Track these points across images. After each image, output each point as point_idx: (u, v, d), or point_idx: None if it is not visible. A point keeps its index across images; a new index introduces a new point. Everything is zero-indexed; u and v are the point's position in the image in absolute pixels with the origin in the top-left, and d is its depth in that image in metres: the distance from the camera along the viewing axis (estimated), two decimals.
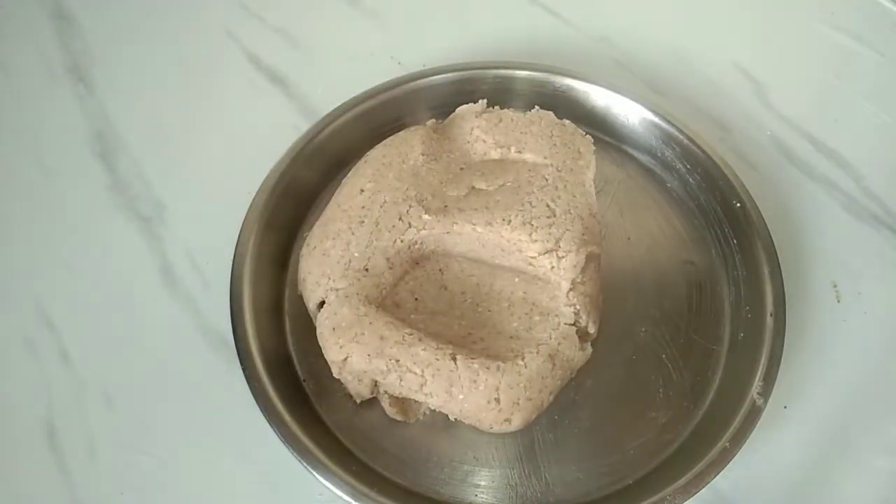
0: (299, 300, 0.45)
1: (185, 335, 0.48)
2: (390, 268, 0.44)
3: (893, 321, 0.49)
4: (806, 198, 0.53)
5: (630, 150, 0.54)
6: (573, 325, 0.43)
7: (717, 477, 0.40)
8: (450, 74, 0.53)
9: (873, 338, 0.48)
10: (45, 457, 0.44)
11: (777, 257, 0.46)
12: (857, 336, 0.48)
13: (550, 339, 0.42)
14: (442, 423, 0.43)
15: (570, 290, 0.43)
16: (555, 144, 0.49)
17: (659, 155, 0.52)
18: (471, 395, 0.39)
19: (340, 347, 0.40)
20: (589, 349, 0.43)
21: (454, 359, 0.40)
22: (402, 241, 0.44)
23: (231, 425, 0.45)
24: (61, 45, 0.62)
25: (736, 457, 0.39)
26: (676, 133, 0.51)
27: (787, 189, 0.54)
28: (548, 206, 0.45)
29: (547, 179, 0.47)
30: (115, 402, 0.46)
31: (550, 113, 0.51)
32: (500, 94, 0.54)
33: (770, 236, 0.47)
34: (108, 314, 0.49)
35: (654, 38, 0.62)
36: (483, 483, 0.42)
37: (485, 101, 0.51)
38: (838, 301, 0.49)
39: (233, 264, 0.45)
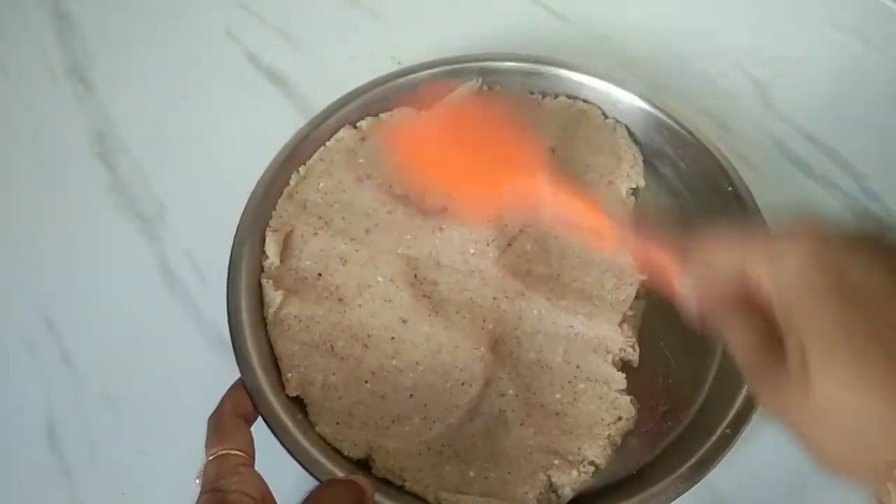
0: None
1: (185, 335, 0.48)
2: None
3: None
4: (806, 197, 0.53)
5: None
6: (623, 390, 0.43)
7: (717, 477, 0.40)
8: (441, 68, 0.53)
9: None
10: (45, 457, 0.44)
11: None
12: None
13: (604, 422, 0.42)
14: None
15: (623, 321, 0.44)
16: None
17: (649, 141, 0.52)
18: None
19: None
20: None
21: None
22: None
23: None
24: (61, 45, 0.62)
25: (736, 457, 0.39)
26: (665, 118, 0.51)
27: (787, 188, 0.54)
28: None
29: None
30: (115, 402, 0.46)
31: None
32: (491, 85, 0.54)
33: (763, 220, 0.46)
34: (108, 314, 0.49)
35: (654, 36, 0.62)
36: None
37: (481, 79, 0.52)
38: None
39: (228, 270, 0.44)
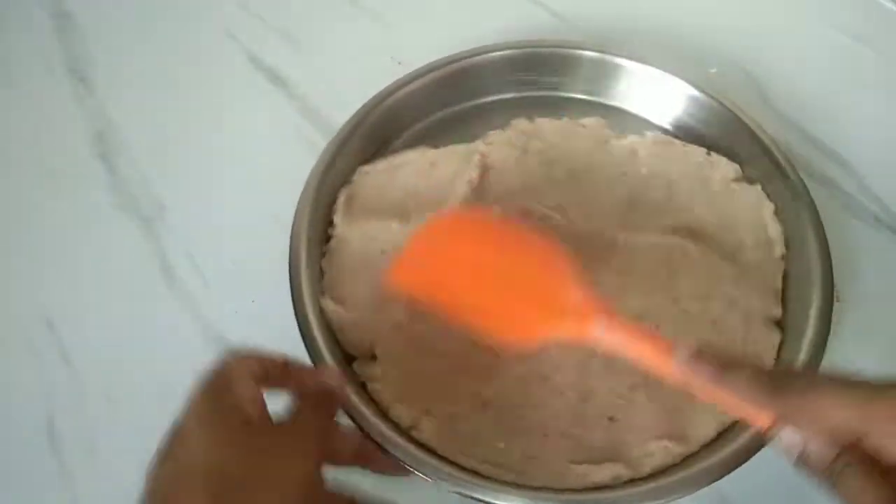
0: None
1: (185, 335, 0.48)
2: None
3: (893, 321, 0.48)
4: None
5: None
6: None
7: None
8: (512, 51, 0.55)
9: (873, 337, 0.48)
10: (45, 457, 0.44)
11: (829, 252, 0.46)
12: (856, 335, 0.48)
13: None
14: None
15: None
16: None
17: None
18: None
19: None
20: None
21: None
22: None
23: None
24: (61, 45, 0.62)
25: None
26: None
27: None
28: None
29: None
30: (115, 402, 0.46)
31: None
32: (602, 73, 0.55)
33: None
34: (108, 314, 0.49)
35: (653, 36, 0.61)
36: None
37: None
38: (838, 300, 0.49)
39: (290, 251, 0.45)
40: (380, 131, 0.52)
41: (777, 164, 0.49)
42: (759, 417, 0.30)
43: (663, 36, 0.62)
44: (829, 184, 0.54)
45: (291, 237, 0.45)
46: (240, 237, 0.51)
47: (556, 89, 0.56)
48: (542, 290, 0.36)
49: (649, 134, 0.52)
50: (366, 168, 0.50)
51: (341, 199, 0.48)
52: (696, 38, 0.62)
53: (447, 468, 0.38)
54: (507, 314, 0.37)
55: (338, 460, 0.38)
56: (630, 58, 0.54)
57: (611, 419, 0.41)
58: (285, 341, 0.42)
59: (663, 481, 0.39)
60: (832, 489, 0.28)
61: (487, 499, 0.38)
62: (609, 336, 0.34)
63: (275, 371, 0.37)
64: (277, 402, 0.36)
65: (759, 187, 0.50)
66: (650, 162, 0.50)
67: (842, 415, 0.28)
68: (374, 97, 0.51)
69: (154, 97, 0.59)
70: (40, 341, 0.48)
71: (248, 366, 0.35)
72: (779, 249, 0.47)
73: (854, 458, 0.27)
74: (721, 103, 0.52)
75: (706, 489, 0.41)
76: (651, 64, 0.54)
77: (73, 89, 0.60)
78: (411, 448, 0.39)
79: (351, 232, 0.47)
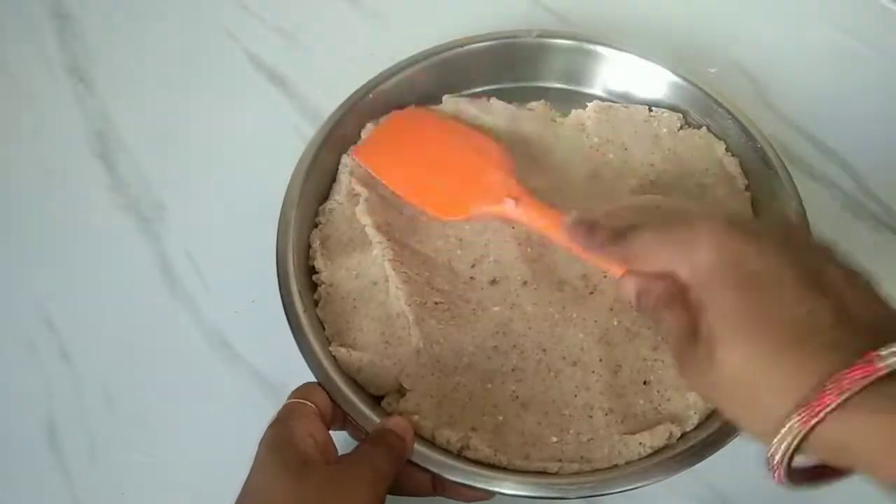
0: None
1: (185, 335, 0.48)
2: None
3: None
4: (806, 197, 0.53)
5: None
6: None
7: (717, 476, 0.40)
8: (495, 41, 0.55)
9: None
10: (45, 457, 0.44)
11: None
12: None
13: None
14: None
15: None
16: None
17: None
18: None
19: None
20: None
21: None
22: None
23: (231, 425, 0.45)
24: (61, 45, 0.62)
25: (736, 455, 0.39)
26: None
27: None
28: None
29: None
30: (115, 402, 0.46)
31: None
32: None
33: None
34: (108, 314, 0.49)
35: (653, 37, 0.61)
36: None
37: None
38: None
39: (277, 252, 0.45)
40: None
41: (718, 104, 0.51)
42: (616, 268, 0.37)
43: (663, 36, 0.62)
44: (829, 184, 0.54)
45: (280, 286, 0.44)
46: (239, 237, 0.51)
47: (534, 79, 0.56)
48: (472, 172, 0.46)
49: (590, 105, 0.53)
50: (328, 205, 0.49)
51: (316, 243, 0.47)
52: (695, 37, 0.62)
53: (519, 477, 0.38)
54: (442, 192, 0.46)
55: (416, 492, 0.39)
56: (608, 45, 0.54)
57: (645, 383, 0.42)
58: (285, 342, 0.42)
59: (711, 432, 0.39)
60: (656, 326, 0.34)
61: (577, 494, 0.38)
62: (518, 211, 0.43)
63: (336, 413, 0.39)
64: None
65: (705, 129, 0.52)
66: (598, 130, 0.51)
67: (656, 258, 0.34)
68: (349, 97, 0.51)
69: (154, 97, 0.59)
70: (40, 341, 0.48)
71: (311, 406, 0.37)
72: (741, 181, 0.49)
73: (670, 298, 0.33)
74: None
75: (706, 489, 0.41)
76: (628, 51, 0.53)
77: (73, 89, 0.60)
78: (485, 471, 0.38)
79: (336, 273, 0.46)
